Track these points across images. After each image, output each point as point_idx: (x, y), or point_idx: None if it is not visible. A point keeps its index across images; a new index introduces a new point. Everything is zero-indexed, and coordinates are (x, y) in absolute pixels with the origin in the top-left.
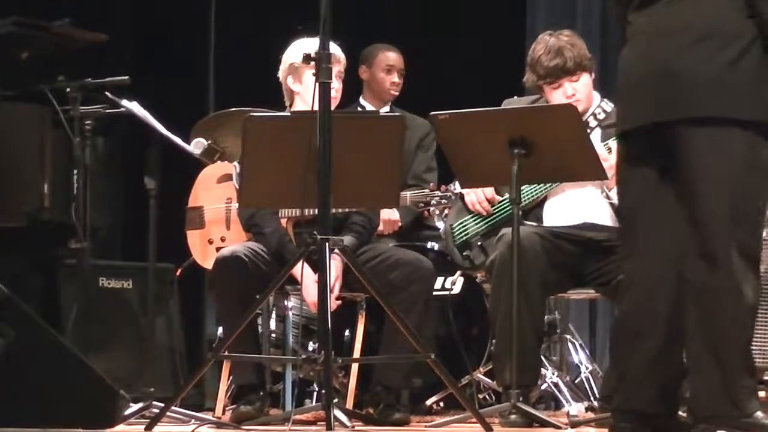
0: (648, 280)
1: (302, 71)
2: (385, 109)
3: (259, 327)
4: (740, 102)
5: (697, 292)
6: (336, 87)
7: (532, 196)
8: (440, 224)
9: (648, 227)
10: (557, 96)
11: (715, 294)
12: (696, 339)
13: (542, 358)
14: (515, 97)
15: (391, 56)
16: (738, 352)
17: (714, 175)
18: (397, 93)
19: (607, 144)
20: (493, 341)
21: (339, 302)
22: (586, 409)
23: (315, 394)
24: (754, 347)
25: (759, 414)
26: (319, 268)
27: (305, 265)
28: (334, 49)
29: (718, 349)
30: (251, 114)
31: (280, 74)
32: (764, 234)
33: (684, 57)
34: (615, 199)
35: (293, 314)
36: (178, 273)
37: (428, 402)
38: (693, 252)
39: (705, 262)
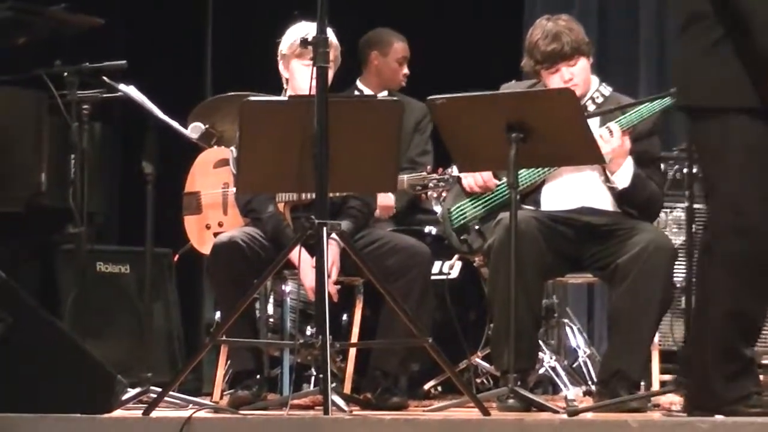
0: None
1: (289, 59)
2: (382, 94)
3: (257, 312)
4: (713, 90)
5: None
6: None
7: (530, 180)
8: (437, 208)
9: None
10: (555, 81)
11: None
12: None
13: (540, 342)
14: (513, 82)
15: (404, 47)
16: (710, 344)
17: (707, 162)
18: (405, 84)
19: (607, 126)
20: (491, 325)
21: (338, 287)
22: (584, 394)
23: (312, 378)
24: None
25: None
26: (317, 252)
27: (303, 250)
28: (329, 35)
29: (693, 344)
30: (248, 98)
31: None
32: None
33: (677, 43)
34: (616, 183)
35: (291, 299)
36: (175, 258)
37: (426, 386)
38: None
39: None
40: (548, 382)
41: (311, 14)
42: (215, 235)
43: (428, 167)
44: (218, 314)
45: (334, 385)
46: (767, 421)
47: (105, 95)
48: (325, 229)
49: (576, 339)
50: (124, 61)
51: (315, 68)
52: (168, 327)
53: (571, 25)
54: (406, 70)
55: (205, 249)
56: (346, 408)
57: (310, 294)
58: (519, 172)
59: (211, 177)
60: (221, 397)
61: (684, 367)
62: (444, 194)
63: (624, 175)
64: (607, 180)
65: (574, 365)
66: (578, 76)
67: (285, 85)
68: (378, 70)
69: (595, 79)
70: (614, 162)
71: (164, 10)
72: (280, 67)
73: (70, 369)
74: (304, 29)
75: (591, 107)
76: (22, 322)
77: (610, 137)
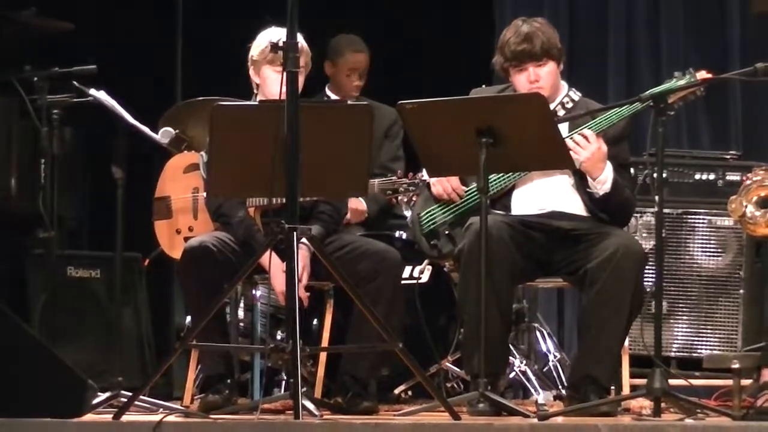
0: None
1: (261, 65)
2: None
3: (227, 316)
4: None
5: None
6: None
7: (500, 185)
8: (408, 213)
9: None
10: (521, 80)
11: None
12: None
13: (510, 346)
14: (483, 87)
15: (355, 58)
16: None
17: None
18: (357, 94)
19: (582, 133)
20: (461, 330)
21: (308, 294)
22: (554, 398)
23: (283, 383)
24: (720, 336)
25: None
26: (287, 257)
27: (273, 254)
28: (299, 40)
29: None
30: (219, 103)
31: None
32: (727, 222)
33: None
34: (598, 188)
35: (261, 303)
36: (146, 263)
37: (396, 391)
38: None
39: None
40: (519, 387)
41: (282, 19)
42: (185, 239)
43: (399, 172)
44: (189, 319)
45: (304, 389)
46: (736, 425)
47: (75, 100)
48: (295, 233)
49: (546, 343)
50: (93, 66)
51: (285, 73)
52: (138, 331)
53: (545, 29)
54: (357, 82)
55: (176, 254)
56: (316, 412)
57: (281, 298)
58: (489, 177)
59: (182, 182)
60: (192, 402)
61: None
62: (414, 199)
63: (605, 179)
64: (587, 185)
65: (545, 369)
66: (545, 79)
67: (255, 91)
68: (332, 79)
69: (564, 85)
70: (595, 167)
71: (134, 14)
72: (251, 72)
73: (40, 373)
74: (274, 34)
75: (561, 112)
76: None
77: (587, 143)
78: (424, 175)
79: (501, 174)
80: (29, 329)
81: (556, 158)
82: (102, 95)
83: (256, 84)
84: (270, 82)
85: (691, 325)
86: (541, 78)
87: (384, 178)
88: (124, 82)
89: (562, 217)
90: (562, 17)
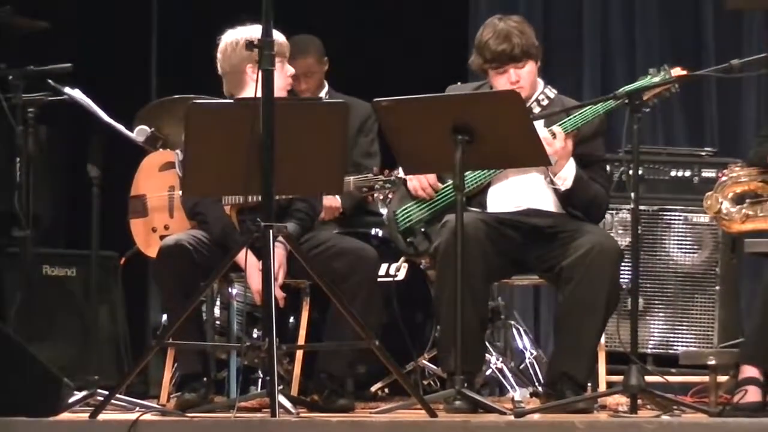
0: None
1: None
2: (324, 90)
3: (204, 314)
4: None
5: None
6: (292, 72)
7: (476, 182)
8: (384, 210)
9: None
10: (501, 81)
11: None
12: None
13: (487, 344)
14: (459, 84)
15: (300, 64)
16: None
17: None
18: (309, 93)
19: (550, 129)
20: (438, 327)
21: (284, 295)
22: (531, 395)
23: (260, 381)
24: (696, 332)
25: None
26: (263, 255)
27: (249, 252)
28: (278, 36)
29: None
30: (194, 101)
31: (224, 63)
32: (703, 219)
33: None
34: (559, 185)
35: (237, 301)
36: (121, 261)
37: (373, 389)
38: None
39: None
40: (495, 384)
41: (254, 16)
42: (161, 238)
43: (375, 169)
44: (165, 317)
45: (281, 387)
46: (713, 421)
47: (50, 98)
48: (271, 231)
49: (522, 340)
50: (69, 64)
51: (260, 71)
52: (114, 330)
53: (522, 28)
54: (302, 85)
55: (152, 252)
56: (293, 410)
57: (257, 297)
58: (465, 174)
59: (157, 180)
60: (168, 400)
61: None
62: (390, 196)
63: (566, 176)
64: (551, 182)
65: (521, 366)
66: (525, 79)
67: (227, 89)
68: None
69: (540, 82)
70: (557, 164)
71: (109, 13)
72: (247, 69)
73: (16, 372)
74: (251, 31)
75: (536, 109)
76: None
77: (553, 140)
78: (400, 172)
79: (477, 171)
80: (5, 328)
81: (532, 155)
82: (77, 94)
83: (245, 80)
84: (277, 76)
85: (667, 321)
86: (521, 78)
87: (360, 175)
88: (99, 81)
89: (538, 214)
90: (536, 13)
